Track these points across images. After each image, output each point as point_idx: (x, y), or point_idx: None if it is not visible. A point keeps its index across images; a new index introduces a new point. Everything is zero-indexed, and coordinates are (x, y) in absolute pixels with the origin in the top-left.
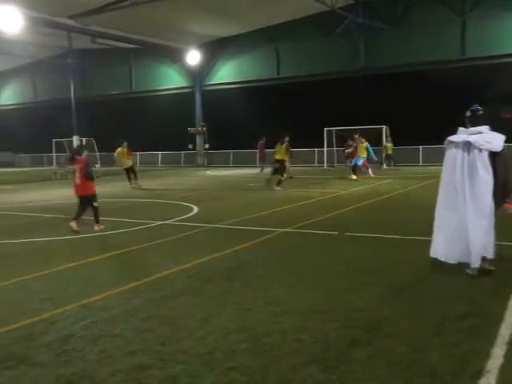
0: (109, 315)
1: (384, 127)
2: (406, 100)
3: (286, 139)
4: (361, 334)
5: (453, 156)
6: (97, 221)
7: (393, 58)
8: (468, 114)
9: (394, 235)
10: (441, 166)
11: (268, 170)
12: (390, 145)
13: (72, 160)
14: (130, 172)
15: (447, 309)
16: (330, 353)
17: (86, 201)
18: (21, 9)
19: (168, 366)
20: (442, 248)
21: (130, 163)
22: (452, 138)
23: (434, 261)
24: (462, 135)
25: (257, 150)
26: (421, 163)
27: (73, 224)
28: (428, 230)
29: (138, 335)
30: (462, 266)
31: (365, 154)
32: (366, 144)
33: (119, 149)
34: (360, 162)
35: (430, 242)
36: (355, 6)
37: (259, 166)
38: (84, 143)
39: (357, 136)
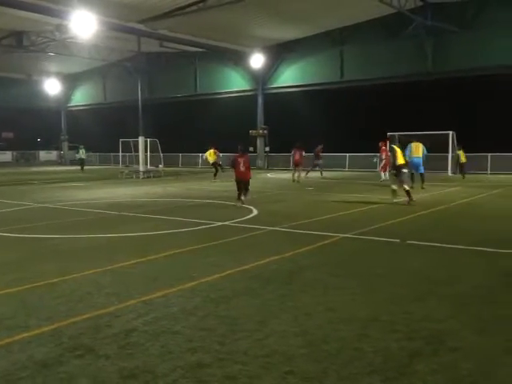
0: (169, 312)
1: (451, 133)
2: (476, 105)
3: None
4: (423, 346)
5: None
6: (245, 196)
7: (464, 62)
8: None
9: (459, 245)
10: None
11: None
12: (461, 152)
13: (242, 155)
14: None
15: None
16: (391, 363)
17: (245, 183)
18: (94, 14)
19: (226, 366)
20: None
21: (211, 161)
22: None
23: None
24: None
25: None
26: (489, 171)
27: (243, 198)
28: (497, 241)
29: (198, 333)
30: None
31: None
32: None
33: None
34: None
35: (499, 253)
36: (424, 8)
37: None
38: (241, 146)
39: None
